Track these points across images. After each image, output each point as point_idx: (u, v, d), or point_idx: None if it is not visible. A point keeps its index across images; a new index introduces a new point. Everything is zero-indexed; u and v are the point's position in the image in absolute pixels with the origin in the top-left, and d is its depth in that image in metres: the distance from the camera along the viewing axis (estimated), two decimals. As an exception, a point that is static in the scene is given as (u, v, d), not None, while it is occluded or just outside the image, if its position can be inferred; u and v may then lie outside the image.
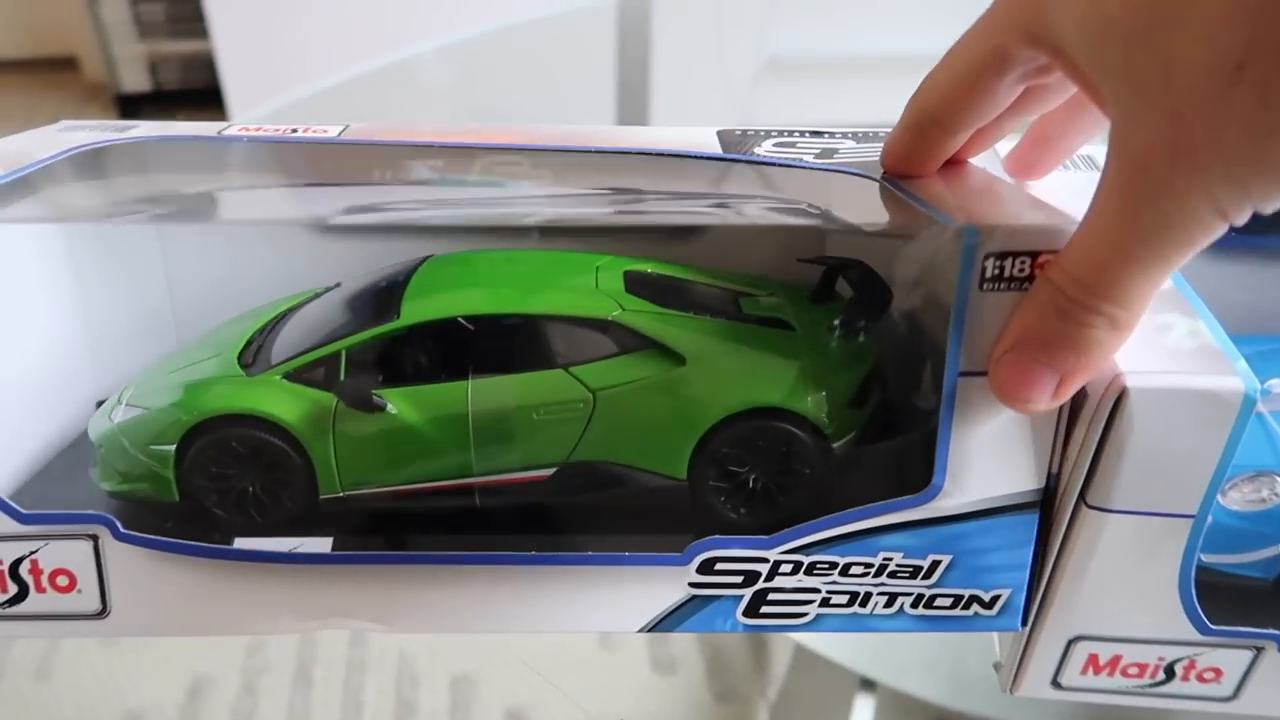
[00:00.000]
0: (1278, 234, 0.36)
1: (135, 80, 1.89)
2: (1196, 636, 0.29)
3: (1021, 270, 0.25)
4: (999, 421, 0.27)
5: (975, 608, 0.28)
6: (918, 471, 0.28)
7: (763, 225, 0.32)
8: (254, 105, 1.73)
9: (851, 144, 0.33)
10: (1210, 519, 0.29)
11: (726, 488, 0.30)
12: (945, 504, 0.27)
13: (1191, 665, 0.30)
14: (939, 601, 0.28)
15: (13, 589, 0.27)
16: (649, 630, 0.29)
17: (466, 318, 0.30)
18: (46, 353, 0.34)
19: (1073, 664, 0.30)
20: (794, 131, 0.34)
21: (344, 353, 0.30)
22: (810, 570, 0.28)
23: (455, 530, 0.31)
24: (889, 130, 0.30)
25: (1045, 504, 0.28)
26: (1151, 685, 0.30)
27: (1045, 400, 0.25)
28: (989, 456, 0.27)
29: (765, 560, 0.28)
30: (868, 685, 0.58)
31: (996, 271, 0.25)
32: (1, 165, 0.29)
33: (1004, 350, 0.25)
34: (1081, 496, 0.27)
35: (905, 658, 0.57)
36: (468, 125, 0.35)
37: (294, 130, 0.33)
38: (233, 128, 0.34)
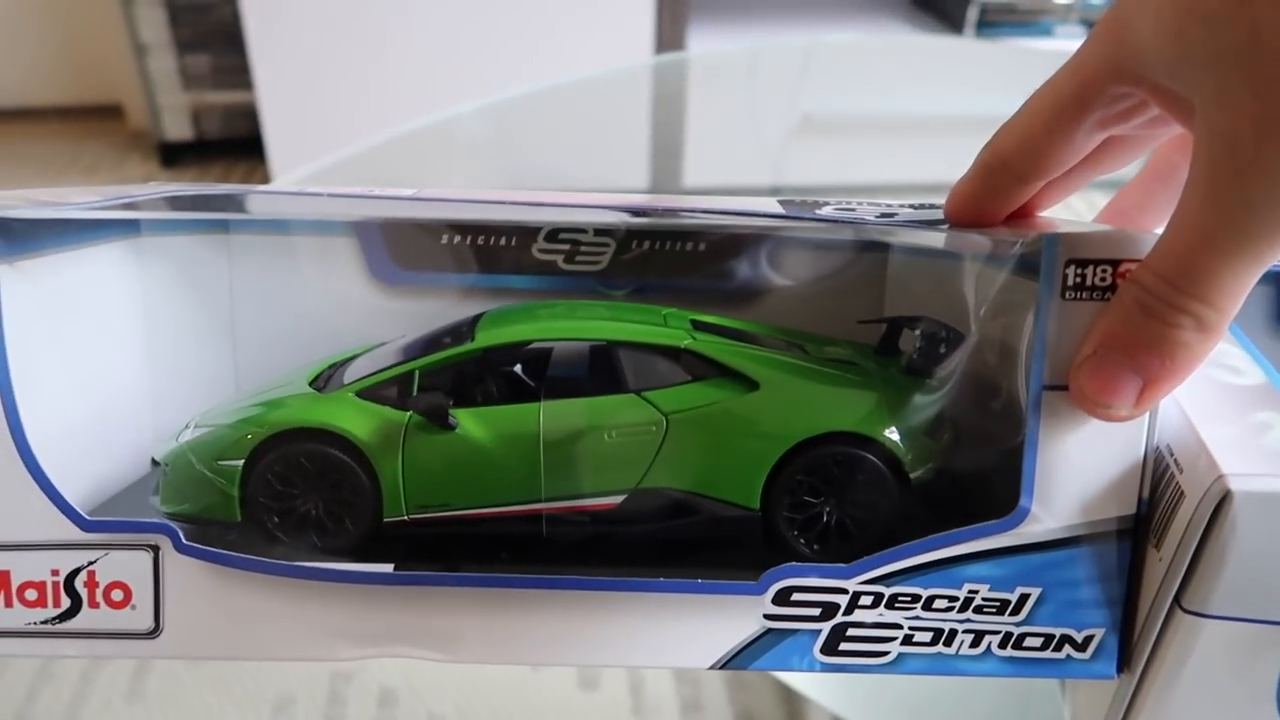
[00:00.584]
0: None
1: (178, 129, 1.92)
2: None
3: (1103, 279, 0.25)
4: (1089, 438, 0.25)
5: (1067, 649, 0.27)
6: (1002, 500, 0.26)
7: (825, 238, 0.32)
8: (294, 156, 1.75)
9: (910, 210, 0.32)
10: None
11: (800, 519, 0.29)
12: (1033, 529, 0.26)
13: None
14: (1029, 641, 0.26)
15: (65, 603, 0.26)
16: (721, 667, 0.27)
17: (540, 341, 0.29)
18: (118, 385, 0.33)
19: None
20: (853, 201, 0.34)
21: (417, 372, 0.29)
22: (892, 603, 0.27)
23: (519, 559, 0.29)
24: (942, 201, 0.29)
25: (1137, 533, 0.26)
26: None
27: (1128, 406, 0.24)
28: (1078, 477, 0.26)
29: (844, 591, 0.27)
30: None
31: (1079, 280, 0.25)
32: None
33: (1086, 355, 0.24)
34: (1177, 600, 0.25)
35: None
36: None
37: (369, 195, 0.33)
38: (315, 188, 0.33)
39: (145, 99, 1.87)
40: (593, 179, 1.79)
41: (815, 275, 0.36)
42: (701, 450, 0.29)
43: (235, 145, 1.92)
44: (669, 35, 1.83)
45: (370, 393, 0.29)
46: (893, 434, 0.29)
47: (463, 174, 1.72)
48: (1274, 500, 0.24)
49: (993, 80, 1.75)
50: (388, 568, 0.28)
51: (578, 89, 1.44)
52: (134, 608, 0.26)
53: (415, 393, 0.28)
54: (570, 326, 0.30)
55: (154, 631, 0.26)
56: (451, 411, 0.28)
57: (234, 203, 0.33)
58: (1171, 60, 0.22)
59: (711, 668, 0.28)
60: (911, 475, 0.29)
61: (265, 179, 1.81)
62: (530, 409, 0.28)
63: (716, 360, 0.29)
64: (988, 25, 1.95)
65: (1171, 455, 0.26)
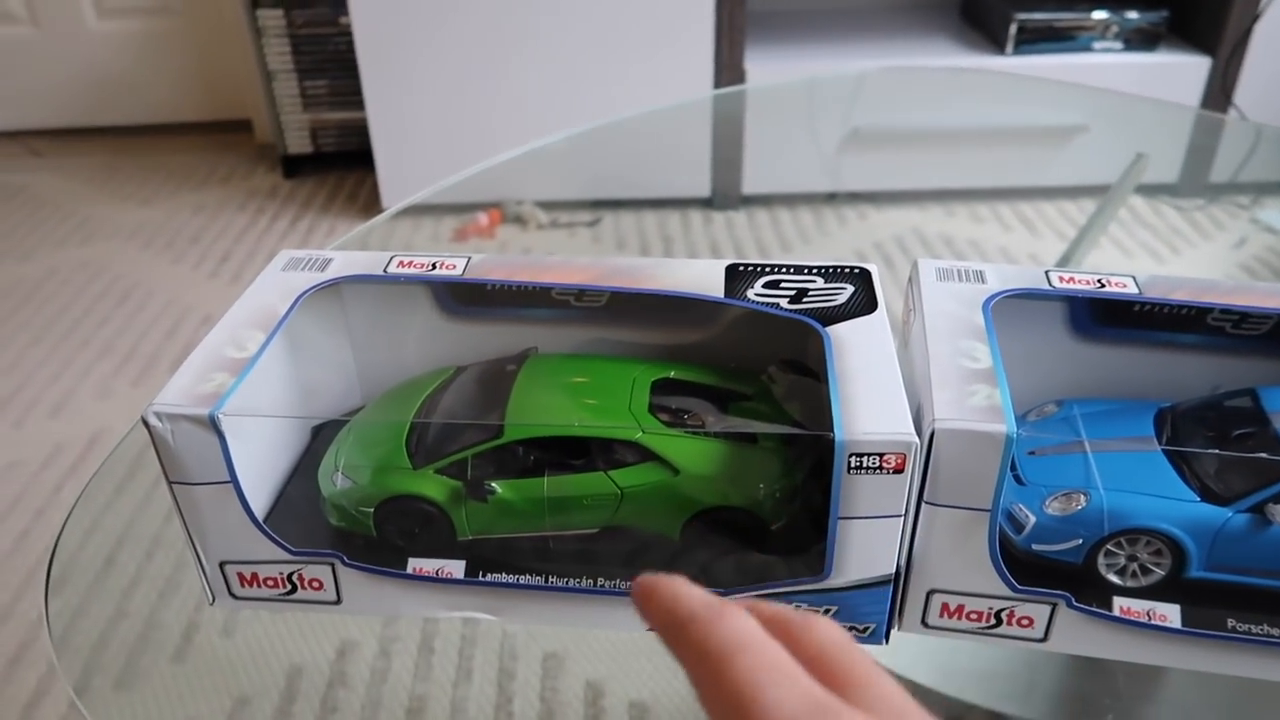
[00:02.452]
0: (1129, 327, 0.50)
1: (298, 144, 2.11)
2: (1008, 593, 0.41)
3: (874, 463, 0.38)
4: (866, 542, 0.41)
5: (853, 632, 0.43)
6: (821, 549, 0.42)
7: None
8: (399, 167, 1.94)
9: (820, 283, 0.47)
10: (1038, 521, 0.43)
11: (704, 550, 0.46)
12: (833, 582, 0.42)
13: (1011, 614, 0.42)
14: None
15: (288, 587, 0.45)
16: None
17: (545, 439, 0.46)
18: (279, 396, 0.49)
19: (933, 609, 0.42)
20: (782, 268, 0.48)
21: (470, 458, 0.46)
22: (746, 602, 0.44)
23: (537, 560, 0.46)
24: (855, 266, 0.44)
25: (896, 578, 0.42)
26: (988, 627, 0.42)
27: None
28: (859, 558, 0.41)
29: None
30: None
31: (858, 464, 0.38)
32: (257, 326, 0.46)
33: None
34: (921, 495, 0.39)
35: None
36: (548, 259, 0.50)
37: (433, 267, 0.49)
38: (392, 264, 0.49)
39: (271, 117, 2.07)
40: (660, 189, 1.94)
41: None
42: (644, 507, 0.45)
43: (348, 158, 2.11)
44: (728, 60, 1.92)
45: (442, 470, 0.46)
46: (763, 501, 0.45)
47: (553, 187, 1.88)
48: (961, 435, 0.38)
49: (1017, 97, 1.83)
50: (460, 568, 0.46)
51: (648, 118, 1.56)
52: (325, 590, 0.45)
53: (470, 470, 0.46)
54: (566, 428, 0.46)
55: (337, 602, 0.45)
56: (489, 481, 0.45)
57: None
58: None
59: (648, 629, 0.45)
60: (772, 527, 0.45)
61: (374, 188, 2.00)
62: (539, 481, 0.45)
63: (653, 451, 0.46)
64: (1026, 43, 1.95)
65: (919, 409, 0.40)
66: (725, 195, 1.94)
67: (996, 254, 1.71)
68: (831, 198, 1.95)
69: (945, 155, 1.87)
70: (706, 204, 1.95)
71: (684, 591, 0.27)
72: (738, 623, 0.25)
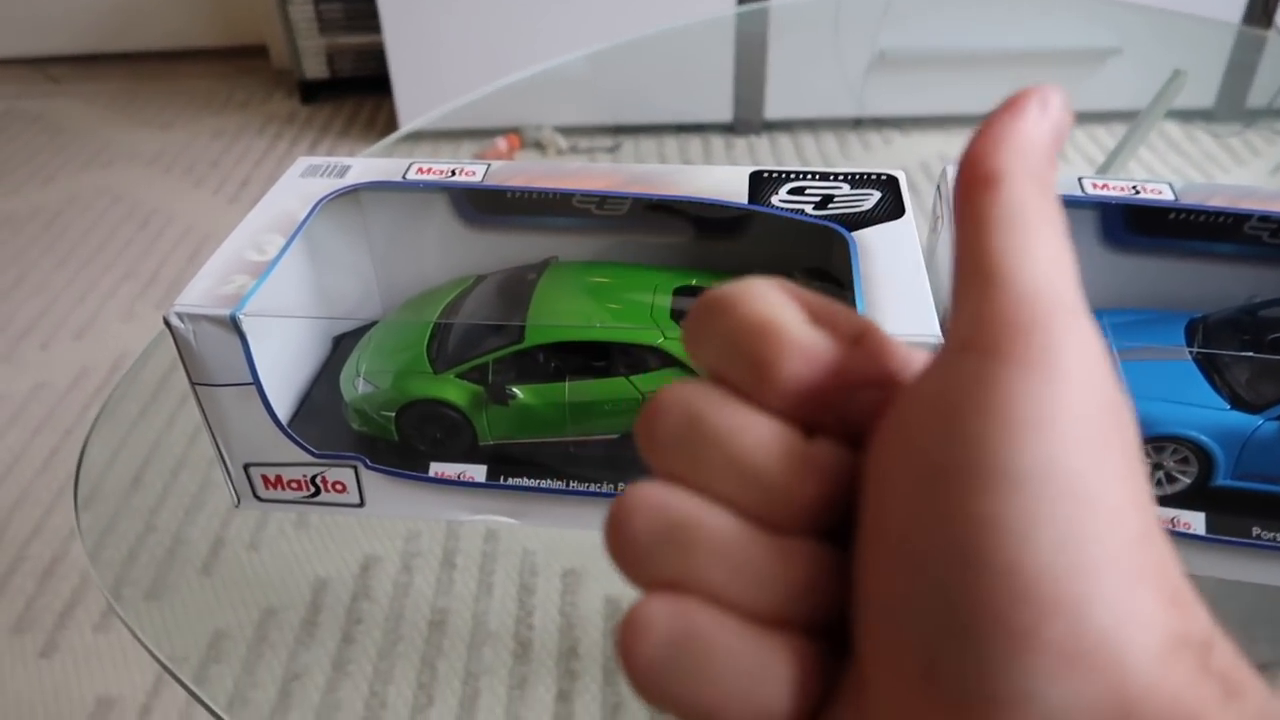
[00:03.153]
0: (1163, 236, 0.48)
1: (315, 69, 2.08)
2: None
3: None
4: None
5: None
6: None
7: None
8: (416, 91, 1.91)
9: (846, 189, 0.46)
10: None
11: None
12: None
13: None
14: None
15: (311, 490, 0.45)
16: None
17: (566, 344, 0.46)
18: (300, 302, 0.48)
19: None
20: (807, 174, 0.47)
21: (491, 362, 0.46)
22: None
23: (558, 464, 0.46)
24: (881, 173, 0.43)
25: None
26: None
27: None
28: None
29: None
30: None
31: None
32: (276, 230, 0.45)
33: None
34: None
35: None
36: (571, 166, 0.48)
37: (452, 173, 0.49)
38: (411, 170, 0.48)
39: (287, 42, 2.04)
40: (681, 112, 1.90)
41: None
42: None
43: (365, 83, 2.09)
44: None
45: (464, 375, 0.46)
46: None
47: (571, 112, 1.85)
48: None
49: (1049, 16, 1.78)
50: (482, 472, 0.46)
51: (668, 36, 1.53)
52: (348, 492, 0.45)
53: (491, 375, 0.46)
54: (587, 330, 0.46)
55: (360, 505, 0.46)
56: (511, 386, 0.45)
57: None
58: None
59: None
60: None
61: (392, 113, 1.98)
62: (560, 386, 0.45)
63: (675, 356, 0.45)
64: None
65: (946, 314, 0.39)
66: (747, 120, 1.91)
67: (1023, 181, 1.67)
68: (857, 123, 1.91)
69: (974, 79, 1.83)
70: (728, 129, 1.92)
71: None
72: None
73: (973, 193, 0.17)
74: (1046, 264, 0.16)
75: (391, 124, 2.04)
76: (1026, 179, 0.17)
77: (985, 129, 0.18)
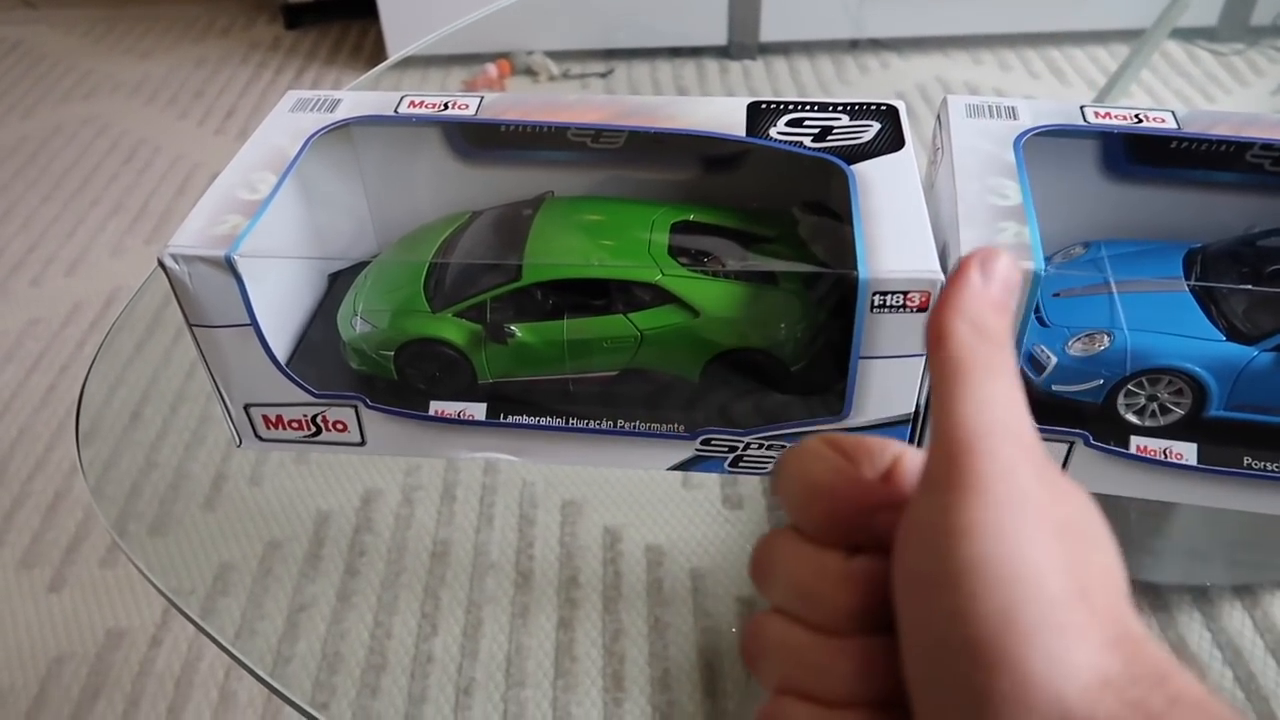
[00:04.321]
0: (1164, 166, 0.48)
1: (300, -9, 2.02)
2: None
3: (897, 301, 0.38)
4: (886, 381, 0.40)
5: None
6: (841, 389, 0.42)
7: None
8: (403, 14, 1.86)
9: (845, 120, 0.45)
10: (1059, 362, 0.43)
11: (724, 391, 0.46)
12: (851, 421, 0.42)
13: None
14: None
15: (312, 429, 0.45)
16: (671, 469, 0.46)
17: (564, 282, 0.45)
18: (294, 241, 0.48)
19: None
20: (805, 105, 0.46)
21: (488, 301, 0.46)
22: (769, 447, 0.44)
23: (558, 402, 0.46)
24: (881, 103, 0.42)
25: (915, 417, 0.42)
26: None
27: None
28: (879, 398, 0.41)
29: (741, 442, 0.44)
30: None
31: (881, 303, 0.38)
32: (268, 168, 0.44)
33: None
34: None
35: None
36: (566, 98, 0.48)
37: (445, 106, 0.48)
38: (403, 103, 0.47)
39: (270, -37, 1.98)
40: (674, 37, 1.86)
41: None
42: (663, 350, 0.45)
43: (350, 5, 2.03)
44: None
45: (462, 313, 0.46)
46: (781, 344, 0.45)
47: (563, 37, 1.80)
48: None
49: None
50: (481, 410, 0.46)
51: None
52: (349, 431, 0.45)
53: (489, 314, 0.46)
54: (584, 268, 0.46)
55: (362, 443, 0.46)
56: (509, 325, 0.45)
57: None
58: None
59: (667, 469, 0.46)
60: (791, 369, 0.45)
61: (379, 38, 1.93)
62: (558, 324, 0.45)
63: (673, 293, 0.45)
64: None
65: (945, 247, 0.39)
66: (742, 43, 1.87)
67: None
68: (853, 45, 1.87)
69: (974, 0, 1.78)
70: (723, 52, 1.88)
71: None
72: None
73: (928, 350, 0.22)
74: (977, 404, 0.20)
75: (379, 49, 1.99)
76: (967, 334, 0.21)
77: (941, 294, 0.23)
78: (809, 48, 1.87)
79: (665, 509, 1.01)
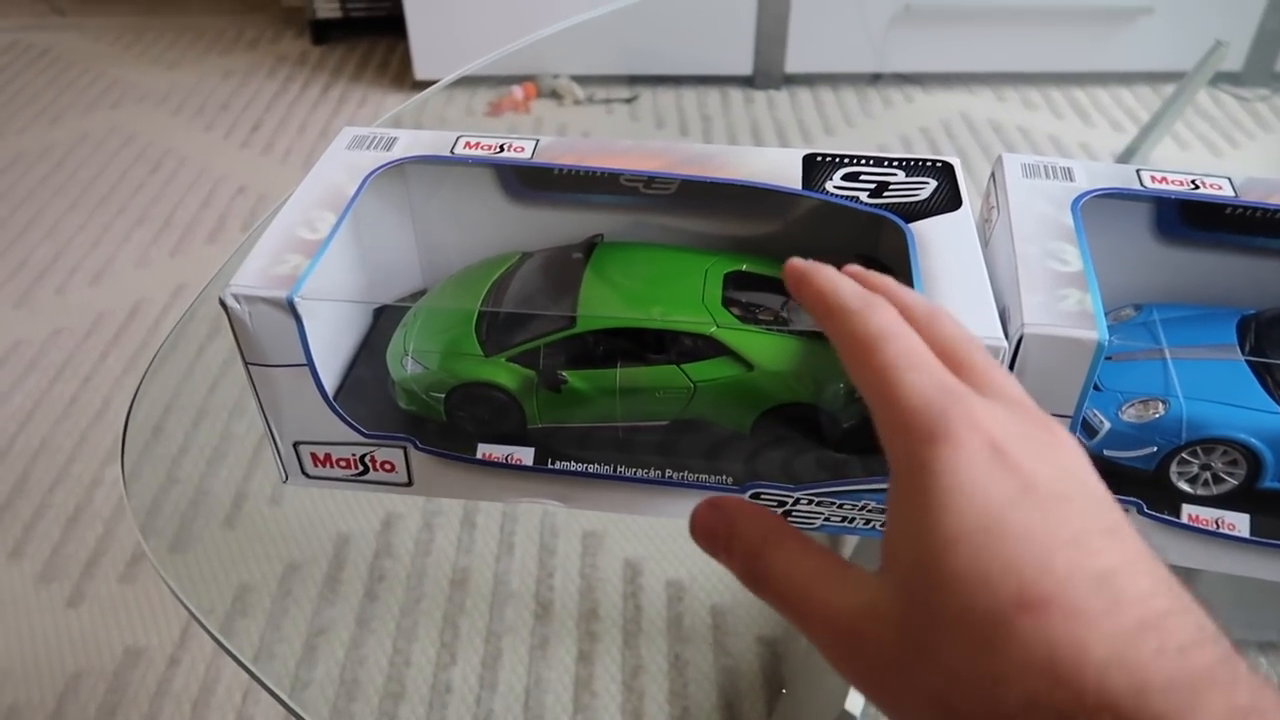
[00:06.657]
0: (1217, 230, 0.48)
1: (327, 8, 2.04)
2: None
3: None
4: None
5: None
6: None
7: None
8: (432, 34, 1.87)
9: (901, 176, 0.45)
10: (1112, 427, 0.43)
11: (776, 446, 0.46)
12: None
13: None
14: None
15: (360, 468, 0.45)
16: (717, 522, 0.45)
17: (617, 330, 0.45)
18: (346, 277, 0.48)
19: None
20: (861, 159, 0.46)
21: (542, 348, 0.46)
22: (818, 503, 0.44)
23: (607, 450, 0.46)
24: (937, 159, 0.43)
25: None
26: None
27: None
28: None
29: (791, 497, 0.44)
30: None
31: None
32: (326, 206, 0.45)
33: None
34: None
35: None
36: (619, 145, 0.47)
37: (500, 149, 0.48)
38: (459, 144, 0.48)
39: (300, -21, 2.00)
40: (700, 65, 1.87)
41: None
42: (716, 402, 0.45)
43: (379, 24, 2.05)
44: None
45: (514, 359, 0.46)
46: (832, 399, 0.45)
47: (589, 65, 1.81)
48: (1048, 340, 0.37)
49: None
50: (529, 455, 0.46)
51: None
52: (396, 472, 0.45)
53: (541, 360, 0.45)
54: (639, 319, 0.46)
55: (409, 484, 0.46)
56: (562, 371, 0.45)
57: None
58: None
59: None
60: (844, 425, 0.45)
61: (406, 56, 1.94)
62: (611, 372, 0.45)
63: (727, 345, 0.45)
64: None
65: (1006, 311, 0.39)
66: (767, 74, 1.88)
67: (1045, 142, 1.65)
68: (876, 79, 1.88)
69: (998, 35, 1.79)
70: (748, 82, 1.89)
71: (838, 283, 0.31)
72: (884, 315, 0.29)
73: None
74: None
75: (405, 67, 2.00)
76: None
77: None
78: (833, 80, 1.88)
79: (686, 543, 1.00)
